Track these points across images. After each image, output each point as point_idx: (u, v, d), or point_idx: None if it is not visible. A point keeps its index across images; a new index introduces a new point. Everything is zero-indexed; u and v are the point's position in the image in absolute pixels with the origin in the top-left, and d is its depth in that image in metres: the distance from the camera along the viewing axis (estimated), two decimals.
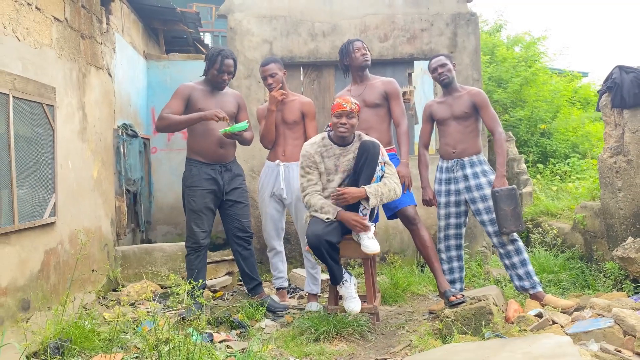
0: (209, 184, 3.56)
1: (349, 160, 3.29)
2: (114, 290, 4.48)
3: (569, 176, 6.66)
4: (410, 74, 5.26)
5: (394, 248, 5.02)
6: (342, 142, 3.32)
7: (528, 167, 6.73)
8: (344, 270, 3.26)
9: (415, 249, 5.03)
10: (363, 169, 3.14)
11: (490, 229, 3.60)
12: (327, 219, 3.12)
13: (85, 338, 2.86)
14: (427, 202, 3.85)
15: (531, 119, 7.29)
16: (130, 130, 5.14)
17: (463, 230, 3.82)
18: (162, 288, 4.57)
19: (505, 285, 4.33)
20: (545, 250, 4.56)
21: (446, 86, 3.76)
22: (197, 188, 3.55)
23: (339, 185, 3.29)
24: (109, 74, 4.81)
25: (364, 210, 3.17)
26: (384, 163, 3.24)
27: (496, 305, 3.09)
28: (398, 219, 3.65)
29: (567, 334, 2.72)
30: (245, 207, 3.72)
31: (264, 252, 4.04)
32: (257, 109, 4.04)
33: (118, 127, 4.94)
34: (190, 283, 3.60)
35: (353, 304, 3.19)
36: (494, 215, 3.55)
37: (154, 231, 6.05)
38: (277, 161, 3.84)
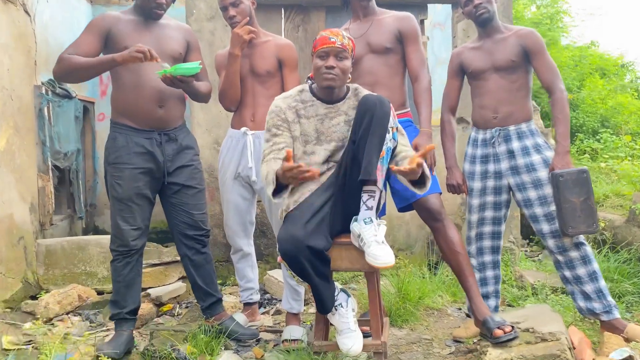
0: (142, 161, 2.44)
1: (338, 125, 2.22)
2: (33, 298, 3.38)
3: (601, 155, 5.64)
4: (422, 22, 4.12)
5: (399, 243, 3.95)
6: (328, 96, 2.23)
7: None
8: (337, 289, 2.18)
9: (425, 243, 3.97)
10: (366, 136, 2.03)
11: (545, 227, 2.54)
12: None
13: None
14: (453, 189, 2.77)
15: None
16: (60, 88, 3.96)
17: (502, 227, 2.76)
18: (98, 294, 3.49)
19: (546, 296, 3.31)
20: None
21: (484, 24, 2.65)
22: (125, 166, 2.43)
23: (325, 162, 2.22)
24: (26, 12, 3.62)
25: (370, 199, 2.07)
26: (396, 129, 2.14)
27: (571, 349, 2.04)
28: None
29: None
30: (198, 193, 2.61)
31: (229, 249, 2.94)
32: (215, 56, 2.89)
33: (42, 83, 3.76)
34: (115, 304, 2.55)
35: (351, 340, 2.12)
36: (552, 208, 2.49)
37: (102, 216, 4.91)
38: (243, 129, 2.72)
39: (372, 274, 2.20)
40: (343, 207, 2.15)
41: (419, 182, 2.12)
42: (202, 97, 2.62)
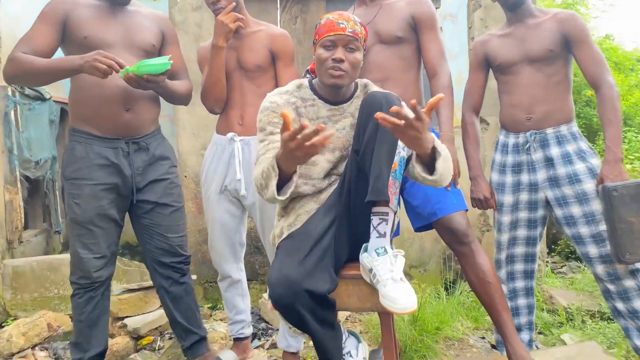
0: (105, 175, 2.01)
1: (344, 130, 1.79)
2: None
3: (626, 156, 5.20)
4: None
5: (411, 259, 3.52)
6: (333, 95, 1.80)
7: None
8: (344, 334, 1.76)
9: (440, 259, 3.54)
10: (372, 144, 1.59)
11: (592, 250, 2.10)
12: (278, 195, 1.60)
13: None
14: (479, 203, 2.34)
15: (573, 82, 5.74)
16: (31, 89, 3.55)
17: (537, 248, 2.33)
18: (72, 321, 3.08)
19: (583, 323, 2.88)
20: None
21: (515, 6, 2.22)
22: (84, 182, 2.00)
23: (327, 175, 1.79)
24: None
25: (382, 224, 1.64)
26: None
27: None
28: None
29: None
30: (175, 212, 2.18)
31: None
32: (198, 49, 2.47)
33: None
34: (76, 348, 2.13)
35: None
36: (602, 227, 2.06)
37: None
38: (230, 134, 2.30)
39: (388, 317, 1.76)
40: (349, 231, 1.73)
41: (429, 165, 1.60)
42: (179, 99, 2.20)
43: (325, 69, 1.70)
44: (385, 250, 1.61)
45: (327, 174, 1.79)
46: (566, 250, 4.35)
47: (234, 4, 2.22)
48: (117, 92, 1.98)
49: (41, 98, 3.65)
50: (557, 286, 3.45)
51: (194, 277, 3.13)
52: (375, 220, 1.64)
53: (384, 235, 1.64)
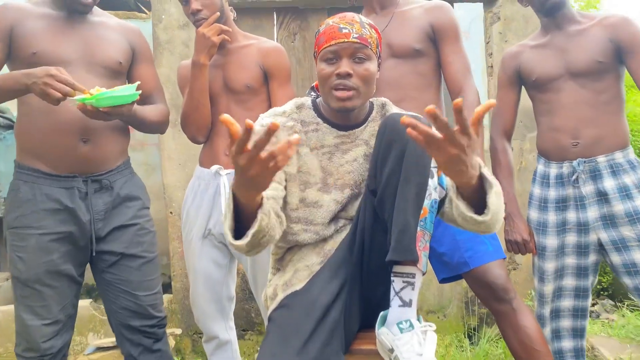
0: (56, 222, 1.62)
1: (355, 162, 1.41)
2: None
3: None
4: None
5: (429, 304, 3.10)
6: (343, 118, 1.43)
7: None
8: None
9: (461, 303, 3.12)
10: (395, 184, 1.21)
11: None
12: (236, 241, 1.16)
13: None
14: (516, 246, 1.94)
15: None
16: (4, 118, 3.20)
17: (589, 302, 1.92)
18: None
19: None
20: None
21: (553, 11, 1.86)
22: (30, 231, 1.61)
23: (334, 219, 1.40)
24: None
25: (406, 289, 1.24)
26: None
27: None
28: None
29: None
30: (147, 265, 1.77)
31: None
32: (178, 67, 2.11)
33: None
34: None
35: None
36: None
37: None
38: (215, 167, 1.93)
39: None
40: (363, 295, 1.34)
41: (477, 201, 1.18)
42: (151, 128, 1.82)
43: (329, 88, 1.34)
44: (411, 324, 1.21)
45: (334, 218, 1.41)
46: (597, 286, 3.92)
47: (218, 14, 1.87)
48: (72, 119, 1.60)
49: (13, 126, 3.29)
50: (597, 332, 3.02)
51: (178, 331, 2.72)
52: (397, 283, 1.25)
53: (409, 304, 1.24)
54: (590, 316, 3.23)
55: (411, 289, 1.23)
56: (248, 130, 0.93)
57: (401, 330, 1.20)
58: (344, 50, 1.32)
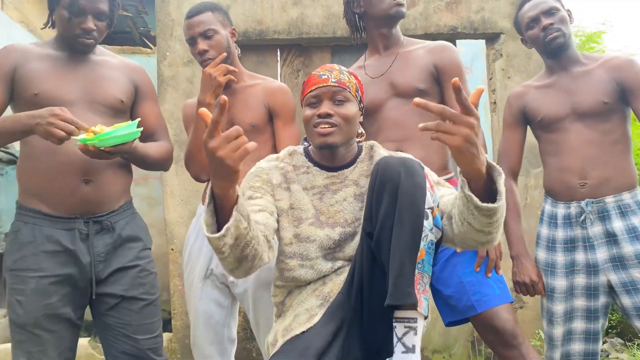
0: (56, 265, 1.59)
1: (345, 202, 1.45)
2: None
3: None
4: None
5: (434, 343, 3.04)
6: (329, 159, 1.49)
7: None
8: None
9: (467, 342, 3.06)
10: (389, 227, 1.22)
11: None
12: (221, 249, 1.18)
13: None
14: (524, 288, 1.90)
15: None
16: (3, 152, 3.21)
17: (599, 345, 1.87)
18: None
19: None
20: None
21: (557, 53, 1.87)
22: (29, 274, 1.58)
23: (329, 258, 1.44)
24: None
25: (409, 334, 1.21)
26: (438, 209, 1.30)
27: None
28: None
29: None
30: (148, 307, 1.73)
31: None
32: (183, 105, 2.12)
33: None
34: None
35: None
36: None
37: None
38: None
39: None
40: (362, 340, 1.31)
41: (486, 190, 1.20)
42: (154, 165, 1.81)
43: (312, 127, 1.43)
44: None
45: (330, 257, 1.42)
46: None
47: (225, 54, 1.88)
48: (74, 160, 1.59)
49: (15, 162, 3.29)
50: None
51: None
52: (399, 329, 1.22)
53: (412, 350, 1.21)
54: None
55: (413, 334, 1.20)
56: (222, 107, 1.04)
57: None
58: (324, 94, 1.43)
